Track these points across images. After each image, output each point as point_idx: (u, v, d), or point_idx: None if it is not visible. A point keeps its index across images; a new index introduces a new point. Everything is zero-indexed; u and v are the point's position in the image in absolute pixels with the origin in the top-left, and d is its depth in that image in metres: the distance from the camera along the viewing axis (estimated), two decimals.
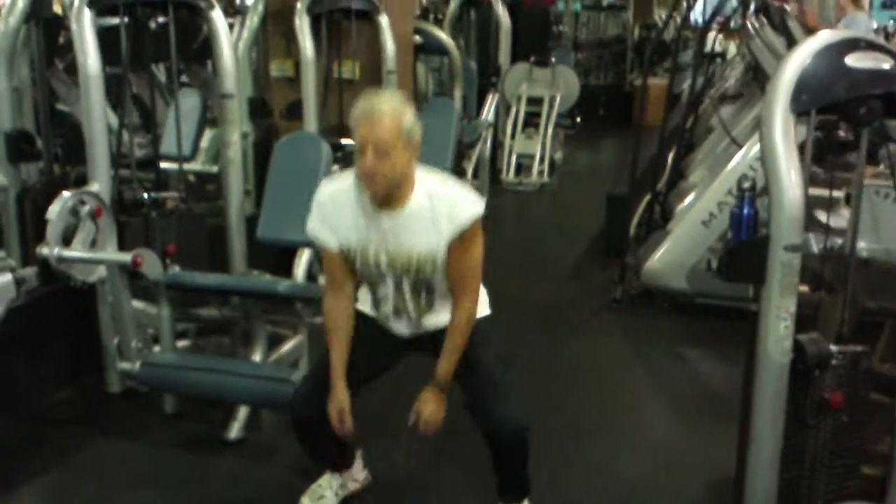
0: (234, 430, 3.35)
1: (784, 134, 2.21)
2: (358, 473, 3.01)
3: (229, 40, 3.85)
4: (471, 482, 3.01)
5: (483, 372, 2.63)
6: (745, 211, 2.31)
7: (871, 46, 2.29)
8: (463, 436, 2.71)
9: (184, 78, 5.50)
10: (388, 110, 2.41)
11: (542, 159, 8.21)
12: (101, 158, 3.45)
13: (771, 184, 2.21)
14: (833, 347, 2.33)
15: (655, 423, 3.68)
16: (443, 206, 2.50)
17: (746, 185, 2.35)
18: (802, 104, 2.23)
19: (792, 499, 2.43)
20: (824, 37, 2.31)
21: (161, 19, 3.75)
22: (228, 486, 3.17)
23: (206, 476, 3.21)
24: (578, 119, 9.13)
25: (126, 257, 3.17)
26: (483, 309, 2.73)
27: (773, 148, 2.21)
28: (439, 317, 2.68)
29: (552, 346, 4.35)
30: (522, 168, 8.26)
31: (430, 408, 2.58)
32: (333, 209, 2.60)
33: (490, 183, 7.66)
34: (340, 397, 2.61)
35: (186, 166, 4.53)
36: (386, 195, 2.49)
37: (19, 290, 2.69)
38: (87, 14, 3.36)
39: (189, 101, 4.97)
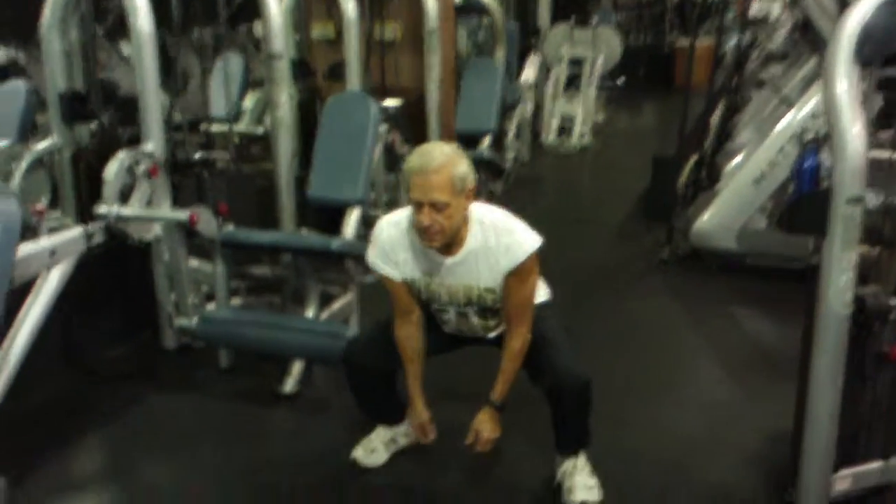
0: (289, 385, 3.41)
1: (847, 86, 2.19)
2: (409, 429, 3.05)
3: (276, 0, 3.85)
4: (530, 440, 3.04)
5: (544, 341, 2.66)
6: (808, 164, 2.29)
7: None
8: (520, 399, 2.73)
9: None
10: (440, 162, 2.40)
11: (583, 121, 8.16)
12: (155, 118, 3.47)
13: (834, 136, 2.19)
14: (892, 301, 2.32)
15: (710, 381, 3.68)
16: (500, 241, 2.52)
17: (809, 137, 2.33)
18: (866, 55, 2.20)
19: (850, 451, 2.43)
20: None
21: None
22: (283, 439, 3.23)
23: (261, 429, 3.27)
24: (621, 80, 9.00)
25: (183, 215, 3.20)
26: (542, 295, 2.77)
27: (836, 100, 2.19)
28: None
29: (601, 307, 4.36)
30: (564, 130, 8.22)
31: (487, 427, 2.65)
32: (393, 248, 2.63)
33: (531, 145, 7.62)
34: (421, 414, 2.76)
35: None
36: (444, 244, 2.53)
37: (88, 243, 2.73)
38: None
39: (232, 64, 5.00)
